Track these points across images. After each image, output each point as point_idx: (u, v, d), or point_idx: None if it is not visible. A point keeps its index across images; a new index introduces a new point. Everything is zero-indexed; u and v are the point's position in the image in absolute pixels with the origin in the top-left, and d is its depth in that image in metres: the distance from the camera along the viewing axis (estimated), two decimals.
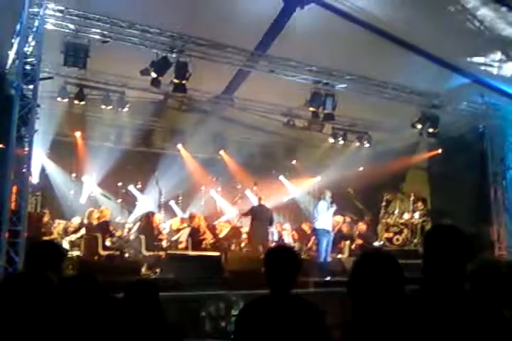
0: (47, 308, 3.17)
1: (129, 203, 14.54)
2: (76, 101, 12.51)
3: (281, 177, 17.96)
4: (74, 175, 14.94)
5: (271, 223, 12.94)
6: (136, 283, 3.57)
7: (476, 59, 11.87)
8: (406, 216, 14.79)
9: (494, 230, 13.59)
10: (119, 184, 15.10)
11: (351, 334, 2.55)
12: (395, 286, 2.51)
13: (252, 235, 12.66)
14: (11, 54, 9.91)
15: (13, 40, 9.62)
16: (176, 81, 10.65)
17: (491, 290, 2.90)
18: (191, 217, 12.99)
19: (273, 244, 13.48)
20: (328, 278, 10.93)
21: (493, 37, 10.79)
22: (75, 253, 11.21)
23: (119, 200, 14.01)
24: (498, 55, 11.60)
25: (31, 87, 8.73)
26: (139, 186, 15.69)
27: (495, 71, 12.15)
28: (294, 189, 17.86)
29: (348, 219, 14.43)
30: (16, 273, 7.06)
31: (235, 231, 13.62)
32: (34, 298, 3.11)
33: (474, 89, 12.98)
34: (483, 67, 12.07)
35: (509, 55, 11.52)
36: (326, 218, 12.05)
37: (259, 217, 12.53)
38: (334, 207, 12.24)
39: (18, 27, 9.21)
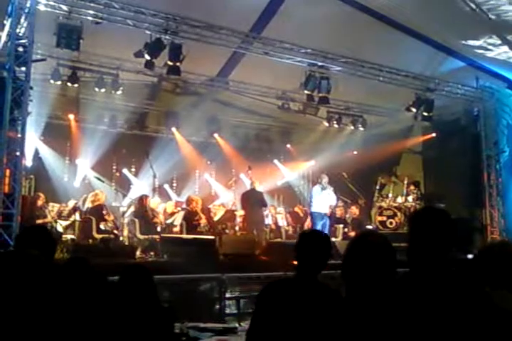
0: (39, 291, 3.17)
1: (123, 186, 14.52)
2: (69, 84, 12.42)
3: (276, 161, 17.97)
4: (68, 158, 14.90)
5: (264, 205, 12.92)
6: (131, 267, 3.58)
7: (471, 42, 11.84)
8: (400, 199, 14.82)
9: (487, 213, 13.68)
10: (113, 167, 15.08)
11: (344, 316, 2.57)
12: (387, 268, 2.52)
13: (247, 219, 12.68)
14: (3, 35, 9.78)
15: (4, 22, 9.50)
16: (170, 63, 10.57)
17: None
18: (188, 201, 12.94)
19: (267, 227, 13.60)
20: None
21: (488, 20, 10.74)
22: (70, 236, 11.21)
23: (113, 184, 13.99)
24: (493, 39, 11.56)
25: (24, 69, 8.65)
26: (133, 169, 15.67)
27: (490, 54, 12.12)
28: (288, 172, 17.88)
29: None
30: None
31: (230, 215, 13.64)
32: (24, 277, 3.11)
33: (469, 72, 12.98)
34: (478, 51, 12.05)
35: (504, 38, 11.48)
36: (322, 201, 12.07)
37: (252, 200, 12.53)
38: (330, 190, 12.24)
39: (9, 8, 9.09)
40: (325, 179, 12.37)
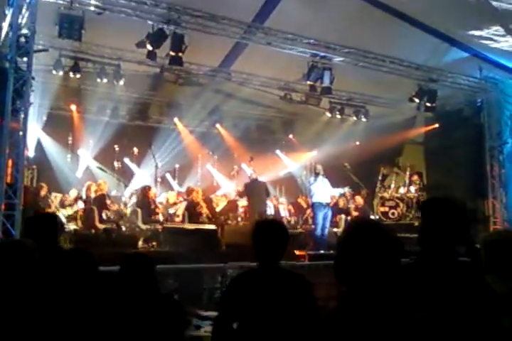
0: (33, 279, 3.19)
1: (125, 177, 14.53)
2: (71, 74, 12.38)
3: (278, 152, 17.97)
4: (70, 148, 14.91)
5: (268, 194, 12.94)
6: (132, 256, 3.59)
7: (475, 32, 11.76)
8: (402, 190, 14.84)
9: (490, 204, 13.68)
10: (115, 157, 15.09)
11: (346, 305, 2.55)
12: (392, 260, 2.48)
13: (250, 210, 12.69)
14: (5, 26, 9.74)
15: (6, 12, 9.46)
16: (172, 53, 10.53)
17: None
18: (189, 191, 12.99)
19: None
20: (323, 251, 11.02)
21: (492, 10, 10.67)
22: (72, 226, 11.25)
23: (116, 174, 14.01)
24: (497, 29, 11.49)
25: (25, 59, 8.62)
26: (135, 160, 15.67)
27: (494, 45, 12.05)
28: (290, 163, 17.88)
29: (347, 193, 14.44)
30: None
31: (232, 205, 13.67)
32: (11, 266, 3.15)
33: (473, 62, 12.91)
34: (481, 41, 11.97)
35: (508, 28, 11.41)
36: (322, 192, 12.03)
37: (254, 191, 12.53)
38: (324, 179, 12.14)
39: None
40: (318, 168, 12.29)
